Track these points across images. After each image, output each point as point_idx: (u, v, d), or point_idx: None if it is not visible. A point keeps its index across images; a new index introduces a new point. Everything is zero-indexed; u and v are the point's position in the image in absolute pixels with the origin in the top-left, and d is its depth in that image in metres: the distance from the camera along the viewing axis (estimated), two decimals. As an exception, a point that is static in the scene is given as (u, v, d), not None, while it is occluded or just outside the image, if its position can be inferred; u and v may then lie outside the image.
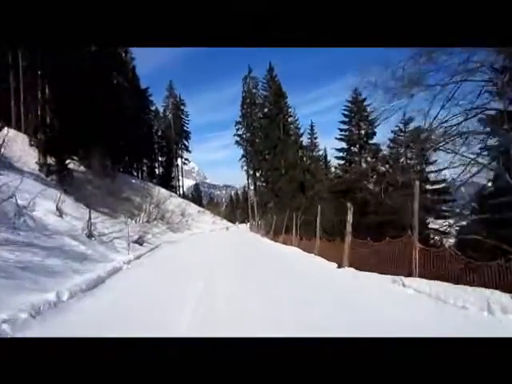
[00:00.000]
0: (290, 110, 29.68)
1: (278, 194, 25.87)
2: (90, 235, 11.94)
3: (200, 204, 57.22)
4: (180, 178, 52.00)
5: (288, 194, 20.80)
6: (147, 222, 26.48)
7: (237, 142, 37.53)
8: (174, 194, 39.57)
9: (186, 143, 52.45)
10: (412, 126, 19.43)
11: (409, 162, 19.37)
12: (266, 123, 29.34)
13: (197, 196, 73.88)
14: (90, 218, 12.37)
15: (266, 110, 32.13)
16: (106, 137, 31.48)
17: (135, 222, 24.52)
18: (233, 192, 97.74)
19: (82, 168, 28.45)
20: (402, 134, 19.02)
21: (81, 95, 26.91)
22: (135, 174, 44.85)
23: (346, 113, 20.99)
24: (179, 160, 52.29)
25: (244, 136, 37.00)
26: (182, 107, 52.26)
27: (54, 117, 23.61)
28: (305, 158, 23.18)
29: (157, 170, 51.23)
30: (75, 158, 29.25)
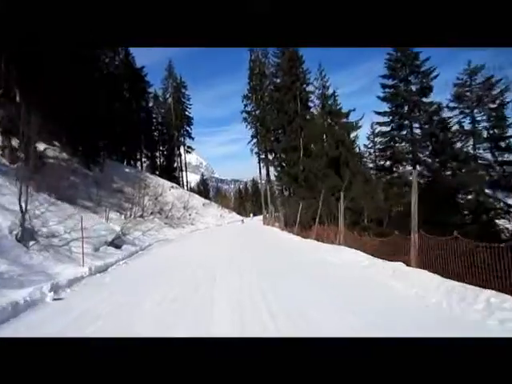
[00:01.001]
0: (308, 76, 24.76)
1: (298, 177, 21.34)
2: (22, 238, 7.68)
3: (206, 197, 52.87)
4: (183, 168, 47.64)
5: (318, 174, 16.27)
6: (141, 216, 22.38)
7: (245, 119, 32.82)
8: (175, 185, 35.35)
9: (189, 129, 47.99)
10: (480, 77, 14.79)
11: (477, 125, 14.64)
12: (279, 95, 24.59)
13: (203, 189, 69.75)
14: (24, 212, 8.09)
15: (278, 80, 27.29)
16: (94, 119, 27.12)
17: (124, 217, 20.45)
18: (241, 185, 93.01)
19: (64, 155, 24.43)
20: (467, 88, 14.26)
21: (58, 67, 22.42)
22: (134, 164, 40.73)
23: (390, 64, 16.09)
24: (182, 149, 47.77)
25: (253, 113, 32.22)
26: (183, 90, 47.69)
27: (21, 90, 19.47)
28: (336, 127, 18.47)
29: (158, 161, 47.00)
30: (56, 143, 25.32)
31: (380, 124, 16.63)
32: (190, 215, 29.83)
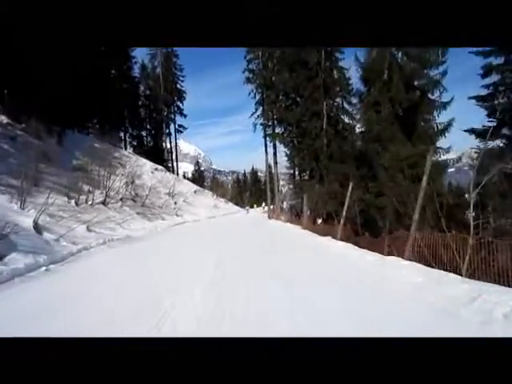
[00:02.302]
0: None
1: (320, 154, 15.49)
2: None
3: (201, 185, 46.37)
4: (173, 150, 41.27)
5: (381, 133, 10.21)
6: (103, 203, 16.35)
7: (247, 79, 26.00)
8: (160, 167, 29.13)
9: (181, 105, 41.50)
10: None
11: None
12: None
13: (198, 176, 63.59)
14: None
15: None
16: (53, 80, 20.68)
17: (75, 203, 14.47)
18: (240, 175, 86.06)
19: (3, 118, 18.26)
20: None
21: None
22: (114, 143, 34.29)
23: None
24: (172, 127, 41.40)
25: (259, 72, 25.45)
26: (175, 59, 41.03)
27: None
28: (405, 58, 12.10)
29: (145, 141, 40.73)
30: (-6, 103, 19.10)
31: (485, 54, 10.34)
32: (175, 203, 23.82)
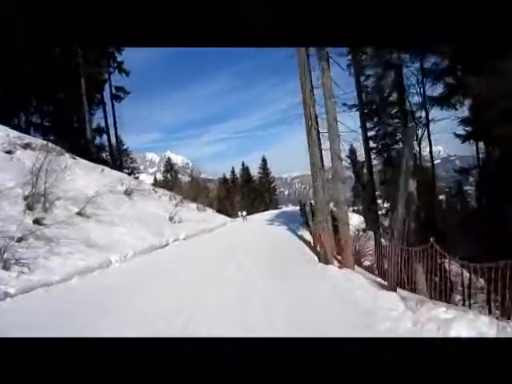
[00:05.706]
0: None
1: None
2: None
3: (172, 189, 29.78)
4: (108, 114, 25.39)
5: None
6: None
7: None
8: (35, 143, 12.85)
9: (119, 56, 25.83)
10: None
11: None
12: None
13: (171, 178, 47.71)
14: None
15: None
16: None
17: None
18: (228, 172, 68.97)
19: None
20: None
21: None
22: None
23: None
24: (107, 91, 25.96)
25: None
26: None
27: None
28: None
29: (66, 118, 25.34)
30: None
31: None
32: (36, 223, 8.27)
